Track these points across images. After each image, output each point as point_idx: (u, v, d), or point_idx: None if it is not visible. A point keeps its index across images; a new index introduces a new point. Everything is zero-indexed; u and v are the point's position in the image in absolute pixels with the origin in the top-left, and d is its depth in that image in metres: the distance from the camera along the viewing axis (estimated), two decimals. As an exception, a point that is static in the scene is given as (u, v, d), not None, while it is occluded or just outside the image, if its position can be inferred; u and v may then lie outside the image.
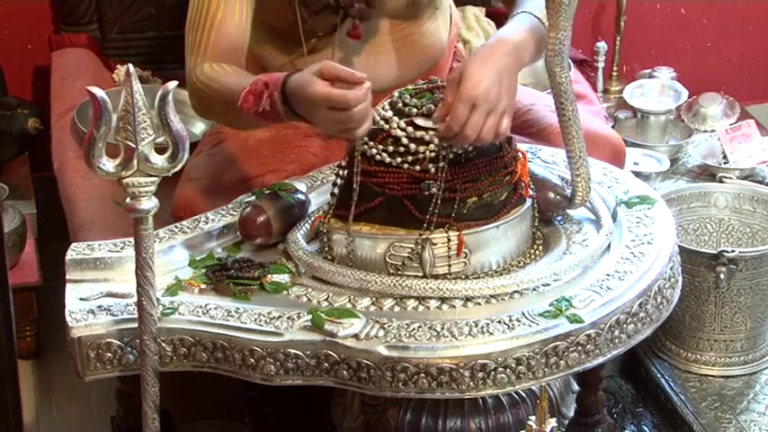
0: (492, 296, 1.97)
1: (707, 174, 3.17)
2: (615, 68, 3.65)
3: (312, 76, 1.94)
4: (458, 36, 2.66)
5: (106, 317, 1.97)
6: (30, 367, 2.97)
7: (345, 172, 2.05)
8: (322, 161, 2.43)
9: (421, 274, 1.99)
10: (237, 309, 1.98)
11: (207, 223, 2.18)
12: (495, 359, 1.88)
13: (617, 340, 1.97)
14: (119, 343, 1.97)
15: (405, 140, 1.98)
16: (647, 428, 2.59)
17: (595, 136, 2.42)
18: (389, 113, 2.01)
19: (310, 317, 1.93)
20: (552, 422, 1.83)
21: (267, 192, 2.19)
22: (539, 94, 2.66)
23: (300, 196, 2.20)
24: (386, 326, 1.91)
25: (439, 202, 1.97)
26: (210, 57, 2.22)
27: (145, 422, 1.94)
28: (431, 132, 1.98)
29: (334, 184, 2.07)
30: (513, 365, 1.88)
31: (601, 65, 3.53)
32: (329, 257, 2.06)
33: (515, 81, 2.06)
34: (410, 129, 1.98)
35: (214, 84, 2.18)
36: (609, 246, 2.10)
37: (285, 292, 2.03)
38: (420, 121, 1.99)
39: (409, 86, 2.07)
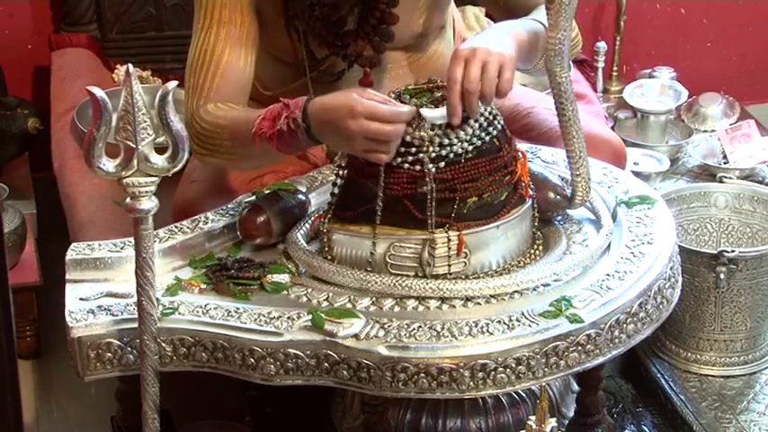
0: (492, 296, 1.97)
1: (707, 174, 3.17)
2: (615, 68, 3.65)
3: (348, 103, 1.92)
4: (460, 39, 2.66)
5: (106, 317, 1.97)
6: (30, 367, 2.97)
7: (345, 172, 2.05)
8: (322, 162, 2.43)
9: (421, 274, 1.99)
10: (237, 309, 1.98)
11: (207, 223, 2.18)
12: (495, 359, 1.88)
13: (617, 340, 1.97)
14: (119, 343, 1.97)
15: (405, 140, 1.98)
16: (646, 428, 2.59)
17: (596, 139, 2.42)
18: (389, 113, 2.01)
19: (310, 317, 1.93)
20: (552, 422, 1.83)
21: (267, 192, 2.19)
22: (539, 95, 2.65)
23: (300, 196, 2.20)
24: (386, 326, 1.91)
25: (434, 203, 1.97)
26: (215, 99, 2.20)
27: (145, 422, 1.94)
28: (431, 132, 1.98)
29: (334, 184, 2.07)
30: (513, 365, 1.88)
31: (601, 65, 3.54)
32: (329, 257, 2.06)
33: (512, 47, 2.03)
34: (410, 129, 1.98)
35: (221, 120, 2.16)
36: (609, 246, 2.10)
37: (285, 292, 2.03)
38: (426, 111, 1.98)
39: (409, 86, 2.07)
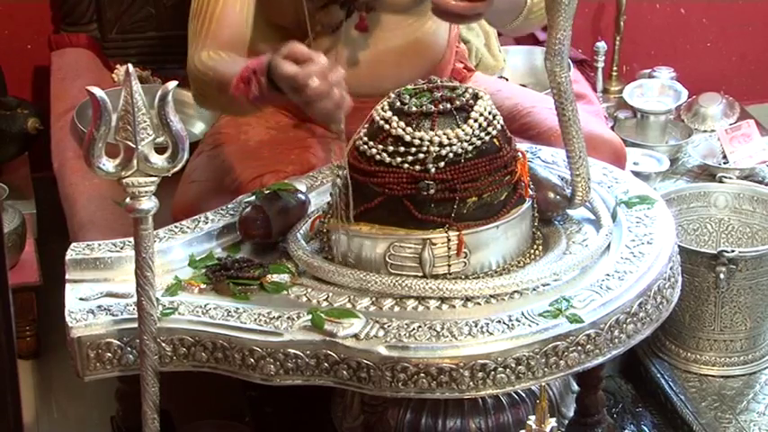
0: (492, 296, 1.97)
1: (707, 174, 3.17)
2: (615, 68, 3.65)
3: (278, 57, 1.96)
4: (458, 36, 2.67)
5: (106, 317, 1.98)
6: (30, 367, 2.97)
7: (345, 172, 2.05)
8: (322, 162, 2.43)
9: (421, 274, 1.99)
10: (237, 309, 1.98)
11: (207, 223, 2.18)
12: (494, 359, 1.88)
13: (617, 340, 1.97)
14: (119, 343, 1.97)
15: (405, 140, 1.98)
16: (646, 428, 2.59)
17: (596, 139, 2.42)
18: (389, 113, 2.01)
19: (310, 317, 1.93)
20: (552, 422, 1.83)
21: (267, 192, 2.19)
22: (538, 95, 2.66)
23: (300, 196, 2.20)
24: (386, 326, 1.91)
25: (434, 203, 1.97)
26: (210, 46, 2.24)
27: (145, 422, 1.94)
28: (431, 133, 1.98)
29: (334, 184, 2.07)
30: (513, 365, 1.88)
31: (600, 65, 3.53)
32: (329, 257, 2.06)
33: None
34: (410, 129, 1.98)
35: (211, 72, 2.20)
36: (609, 246, 2.10)
37: (285, 292, 2.03)
38: None
39: (409, 86, 2.07)
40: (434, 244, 1.99)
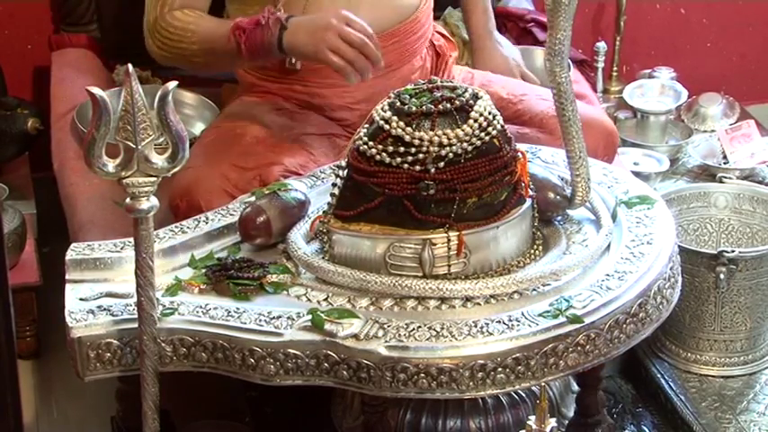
0: (492, 296, 1.97)
1: (707, 174, 3.17)
2: (615, 68, 3.65)
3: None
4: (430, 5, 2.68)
5: (106, 317, 1.98)
6: (30, 367, 2.97)
7: (345, 172, 2.05)
8: (316, 158, 2.44)
9: (421, 274, 1.99)
10: (237, 309, 1.98)
11: (207, 223, 2.18)
12: (494, 359, 1.88)
13: (617, 340, 1.97)
14: (118, 343, 1.97)
15: (405, 140, 1.98)
16: (646, 428, 2.59)
17: (588, 120, 2.43)
18: (389, 113, 2.01)
19: (310, 317, 1.93)
20: (552, 422, 1.83)
21: (267, 192, 2.19)
22: (528, 85, 2.70)
23: (300, 196, 2.19)
24: (385, 326, 1.91)
25: (434, 203, 1.98)
26: (180, 6, 2.41)
27: (145, 422, 1.94)
28: (430, 133, 1.98)
29: (334, 185, 2.07)
30: (513, 365, 1.88)
31: (600, 65, 3.53)
32: (329, 257, 2.06)
33: None
34: (410, 129, 1.98)
35: (192, 26, 2.37)
36: (609, 246, 2.10)
37: (285, 292, 2.03)
38: None
39: (409, 86, 2.07)
40: (434, 244, 1.99)
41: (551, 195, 2.14)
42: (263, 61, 2.45)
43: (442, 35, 2.73)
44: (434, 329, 1.90)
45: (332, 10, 2.30)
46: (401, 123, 1.99)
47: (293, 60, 2.48)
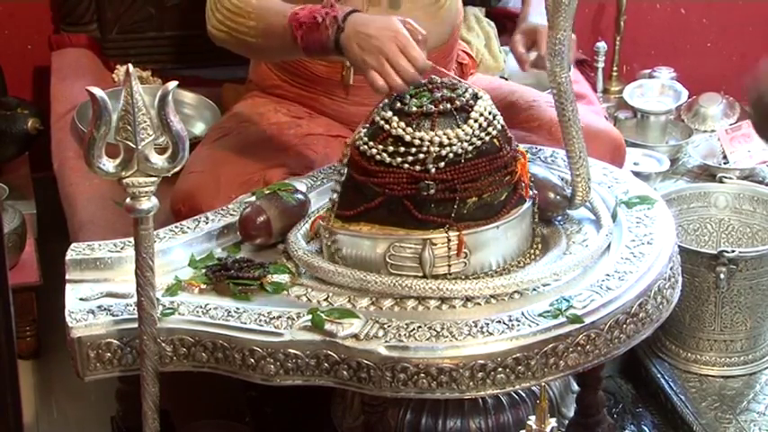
0: (492, 296, 1.97)
1: (707, 174, 3.17)
2: (615, 68, 3.65)
3: (393, 26, 2.10)
4: (460, 27, 2.67)
5: (106, 317, 1.97)
6: (30, 367, 2.97)
7: (345, 172, 2.05)
8: (322, 159, 2.43)
9: (421, 274, 1.99)
10: (237, 309, 1.98)
11: (207, 223, 2.18)
12: (494, 359, 1.88)
13: (617, 340, 1.97)
14: (119, 343, 1.97)
15: (405, 140, 1.98)
16: (647, 428, 2.59)
17: (596, 131, 2.43)
18: (389, 113, 2.01)
19: (310, 317, 1.93)
20: (552, 422, 1.83)
21: (267, 192, 2.19)
22: (539, 93, 2.67)
23: (300, 196, 2.20)
24: (385, 326, 1.91)
25: (434, 203, 1.97)
26: None
27: (145, 422, 1.94)
28: (431, 133, 1.98)
29: (338, 182, 2.07)
30: (513, 365, 1.88)
31: (601, 65, 3.53)
32: (329, 257, 2.06)
33: None
34: (410, 129, 1.98)
35: (255, 1, 2.27)
36: (609, 246, 2.10)
37: (285, 292, 2.03)
38: None
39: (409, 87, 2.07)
40: (434, 244, 1.99)
41: (551, 195, 2.14)
42: (322, 57, 2.36)
43: (466, 53, 2.71)
44: (434, 329, 1.90)
45: (392, 24, 2.11)
46: (401, 123, 1.99)
47: (348, 73, 2.46)
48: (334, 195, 2.06)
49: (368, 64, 2.09)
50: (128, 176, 1.78)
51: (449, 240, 1.99)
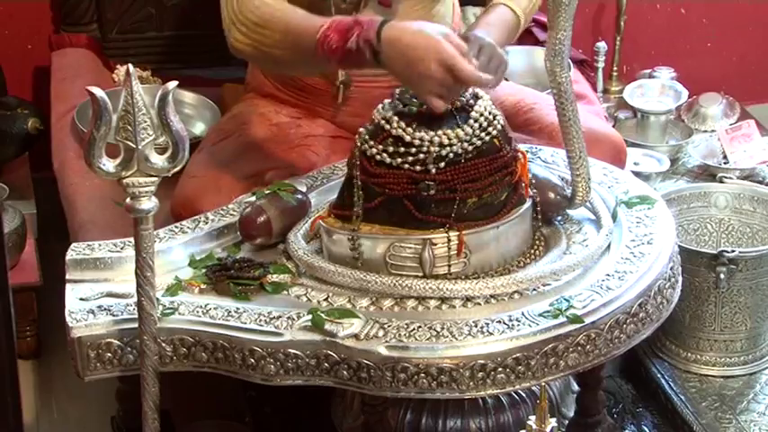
0: (492, 296, 1.97)
1: (707, 174, 3.17)
2: (615, 68, 3.65)
3: (436, 46, 1.97)
4: (460, 27, 2.66)
5: (106, 317, 1.98)
6: (30, 367, 2.97)
7: (345, 172, 2.05)
8: (323, 160, 2.43)
9: (421, 274, 1.99)
10: (237, 309, 1.98)
11: (207, 223, 2.18)
12: (494, 359, 1.88)
13: (617, 340, 1.97)
14: (119, 343, 1.97)
15: (405, 140, 1.98)
16: (647, 428, 2.59)
17: (597, 134, 2.43)
18: (389, 113, 2.01)
19: (310, 317, 1.93)
20: (552, 422, 1.83)
21: (267, 192, 2.19)
22: (540, 94, 2.66)
23: (300, 196, 2.20)
24: (386, 326, 1.91)
25: (434, 203, 1.98)
26: None
27: (145, 422, 1.94)
28: (431, 133, 1.98)
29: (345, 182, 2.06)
30: (513, 365, 1.88)
31: (601, 65, 3.53)
32: (329, 257, 2.06)
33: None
34: (410, 129, 1.98)
35: (279, 13, 2.17)
36: (609, 246, 2.10)
37: (285, 292, 2.03)
38: None
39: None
40: (435, 244, 1.99)
41: (551, 195, 2.14)
42: (348, 68, 2.31)
43: None
44: (435, 329, 1.90)
45: (432, 41, 1.99)
46: (401, 123, 1.99)
47: (338, 92, 2.43)
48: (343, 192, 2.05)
49: (421, 89, 2.00)
50: (128, 176, 1.78)
51: (449, 240, 1.99)
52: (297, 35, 2.13)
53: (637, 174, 2.83)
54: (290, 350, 1.91)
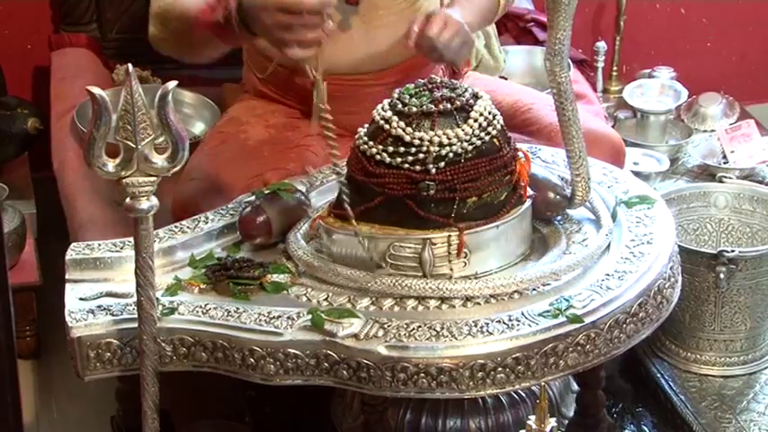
0: (492, 296, 1.97)
1: (707, 174, 3.17)
2: (615, 68, 3.65)
3: None
4: None
5: (106, 317, 1.98)
6: (30, 367, 2.97)
7: (345, 172, 2.05)
8: (322, 160, 2.43)
9: (421, 273, 1.99)
10: (237, 309, 1.98)
11: (207, 223, 2.18)
12: (494, 359, 1.88)
13: (617, 340, 1.97)
14: (118, 343, 1.97)
15: (404, 140, 1.98)
16: (646, 428, 2.59)
17: (596, 135, 2.43)
18: (389, 113, 2.01)
19: (310, 317, 1.93)
20: (552, 422, 1.83)
21: (267, 192, 2.19)
22: (539, 93, 2.67)
23: (300, 196, 2.20)
24: (385, 326, 1.91)
25: (434, 203, 1.98)
26: None
27: (145, 422, 1.94)
28: (430, 133, 1.98)
29: (341, 183, 2.06)
30: (513, 365, 1.88)
31: (600, 65, 3.53)
32: (329, 257, 2.06)
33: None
34: (410, 129, 1.98)
35: (178, 2, 2.27)
36: (608, 246, 2.10)
37: (285, 292, 2.03)
38: None
39: (409, 86, 2.07)
40: (434, 244, 1.99)
41: (551, 195, 2.14)
42: (236, 43, 2.35)
43: None
44: (434, 329, 1.90)
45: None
46: (401, 123, 1.99)
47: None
48: (341, 193, 2.05)
49: (273, 43, 2.08)
50: (127, 176, 1.78)
51: (449, 240, 1.99)
52: (187, 18, 2.24)
53: (636, 173, 2.83)
54: (289, 350, 1.91)
